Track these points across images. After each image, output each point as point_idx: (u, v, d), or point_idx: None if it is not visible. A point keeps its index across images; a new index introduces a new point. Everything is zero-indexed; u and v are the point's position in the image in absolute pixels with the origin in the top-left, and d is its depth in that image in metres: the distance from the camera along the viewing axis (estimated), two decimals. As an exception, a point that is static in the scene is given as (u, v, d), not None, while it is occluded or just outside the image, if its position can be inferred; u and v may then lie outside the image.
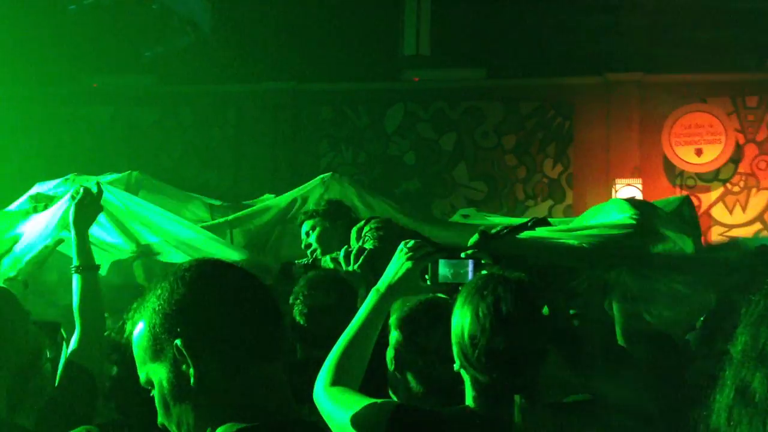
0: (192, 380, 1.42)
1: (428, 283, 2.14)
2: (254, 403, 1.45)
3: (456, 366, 1.90)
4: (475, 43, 8.55)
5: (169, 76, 8.73)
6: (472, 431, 1.84)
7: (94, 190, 3.08)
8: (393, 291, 2.12)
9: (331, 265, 3.25)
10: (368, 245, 2.95)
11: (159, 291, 1.49)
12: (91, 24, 7.30)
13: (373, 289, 2.15)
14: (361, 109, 8.86)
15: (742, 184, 8.36)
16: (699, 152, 8.31)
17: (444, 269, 2.14)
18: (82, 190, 3.05)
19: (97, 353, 2.67)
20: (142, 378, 1.51)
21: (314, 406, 2.02)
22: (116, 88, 8.96)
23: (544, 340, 1.90)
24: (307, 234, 3.99)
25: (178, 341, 1.43)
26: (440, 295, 2.26)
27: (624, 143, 8.46)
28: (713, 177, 8.38)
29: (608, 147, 8.49)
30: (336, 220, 3.92)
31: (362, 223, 3.30)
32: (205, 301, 1.47)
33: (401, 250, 2.15)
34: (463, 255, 2.18)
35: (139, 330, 1.50)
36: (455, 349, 1.90)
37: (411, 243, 2.15)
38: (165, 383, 1.45)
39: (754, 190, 8.34)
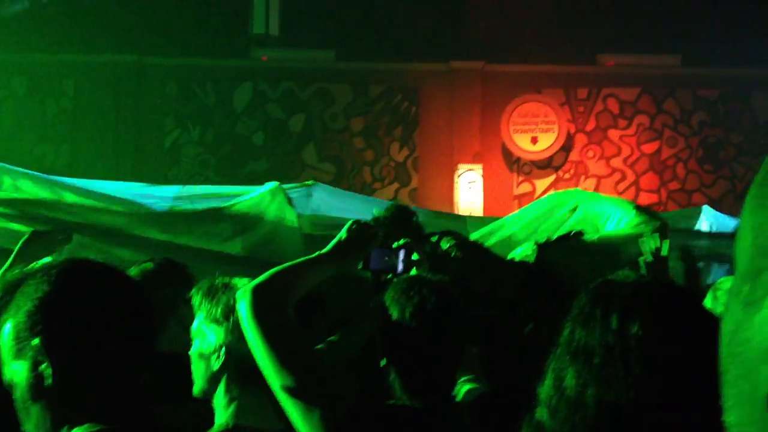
0: (49, 379, 1.41)
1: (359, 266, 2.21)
2: (112, 404, 1.45)
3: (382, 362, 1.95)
4: (324, 24, 8.59)
5: (1, 43, 8.20)
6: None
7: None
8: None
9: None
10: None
11: (25, 289, 1.47)
12: None
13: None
14: (208, 86, 8.68)
15: (572, 171, 8.92)
16: (534, 140, 8.77)
17: (376, 256, 2.26)
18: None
19: None
20: (6, 378, 1.48)
21: (180, 405, 1.97)
22: (-59, 54, 8.33)
23: (463, 340, 2.01)
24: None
25: (36, 339, 1.42)
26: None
27: (466, 129, 8.78)
28: (546, 164, 8.89)
29: (452, 132, 8.78)
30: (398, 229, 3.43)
31: (435, 237, 2.90)
32: (66, 300, 1.46)
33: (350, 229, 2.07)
34: (394, 245, 2.32)
35: (5, 329, 1.47)
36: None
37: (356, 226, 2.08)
38: (23, 382, 1.44)
39: (582, 177, 8.92)
